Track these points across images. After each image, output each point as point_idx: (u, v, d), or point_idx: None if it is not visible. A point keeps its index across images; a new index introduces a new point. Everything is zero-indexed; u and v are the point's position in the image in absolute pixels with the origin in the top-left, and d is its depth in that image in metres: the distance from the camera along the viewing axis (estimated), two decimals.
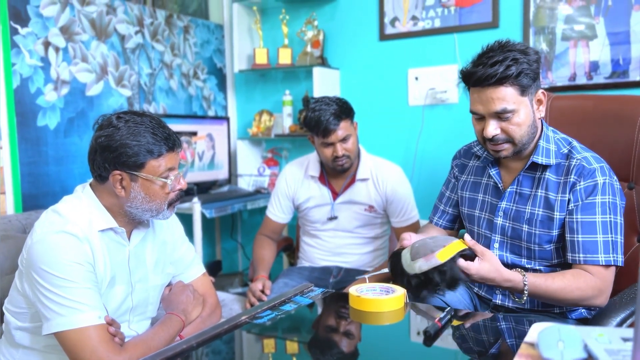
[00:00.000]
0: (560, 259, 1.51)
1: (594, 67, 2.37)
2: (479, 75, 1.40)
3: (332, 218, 2.17)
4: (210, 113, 3.18)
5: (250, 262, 2.24)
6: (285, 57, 2.93)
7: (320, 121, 1.99)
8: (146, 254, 1.57)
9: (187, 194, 2.59)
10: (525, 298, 1.40)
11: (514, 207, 1.55)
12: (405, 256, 1.34)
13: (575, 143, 1.54)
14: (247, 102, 3.25)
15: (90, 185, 1.47)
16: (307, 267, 2.22)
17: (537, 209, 1.50)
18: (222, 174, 3.01)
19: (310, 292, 1.35)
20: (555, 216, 1.47)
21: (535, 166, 1.52)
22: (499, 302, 1.58)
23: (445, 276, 1.29)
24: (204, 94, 3.14)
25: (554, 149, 1.52)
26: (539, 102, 1.49)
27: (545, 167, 1.51)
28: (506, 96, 1.40)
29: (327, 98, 2.06)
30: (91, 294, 1.33)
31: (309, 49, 2.88)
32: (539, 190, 1.50)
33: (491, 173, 1.59)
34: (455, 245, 1.33)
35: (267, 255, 2.19)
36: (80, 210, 1.41)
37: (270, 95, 3.16)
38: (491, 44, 1.45)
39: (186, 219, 2.79)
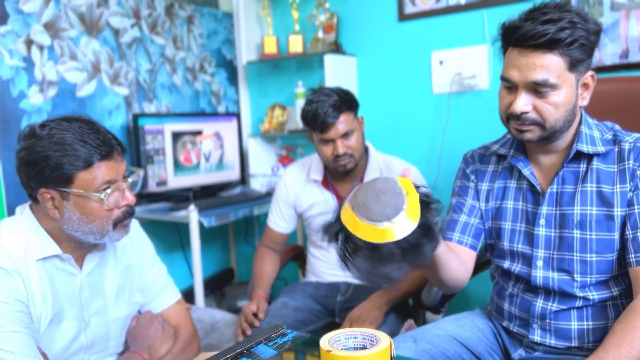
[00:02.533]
0: (622, 269, 1.21)
1: None
2: (524, 32, 1.11)
3: None
4: (221, 109, 2.95)
5: (251, 278, 2.01)
6: (296, 45, 2.67)
7: (317, 114, 1.72)
8: (105, 281, 1.36)
9: (185, 200, 2.38)
10: None
11: (557, 211, 1.25)
12: (349, 214, 0.93)
13: (617, 126, 1.26)
14: (259, 96, 3.01)
15: (30, 206, 1.26)
16: (313, 283, 1.96)
17: (589, 207, 1.21)
18: (233, 174, 2.79)
19: (280, 337, 1.09)
20: (615, 213, 1.18)
21: (577, 158, 1.23)
22: (538, 338, 1.28)
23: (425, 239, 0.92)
24: (213, 88, 2.91)
25: (598, 135, 1.23)
26: (585, 86, 1.19)
27: (591, 157, 1.22)
28: (551, 66, 1.12)
29: (328, 89, 1.78)
30: (18, 339, 1.12)
31: (321, 34, 2.60)
32: (588, 185, 1.21)
33: (525, 173, 1.29)
34: (405, 184, 0.93)
35: (267, 270, 1.95)
36: (16, 236, 1.20)
37: (283, 88, 2.90)
38: (546, 1, 1.15)
39: (186, 230, 2.60)
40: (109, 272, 1.36)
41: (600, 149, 1.21)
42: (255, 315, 1.74)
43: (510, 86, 1.19)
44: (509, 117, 1.20)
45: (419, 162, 2.43)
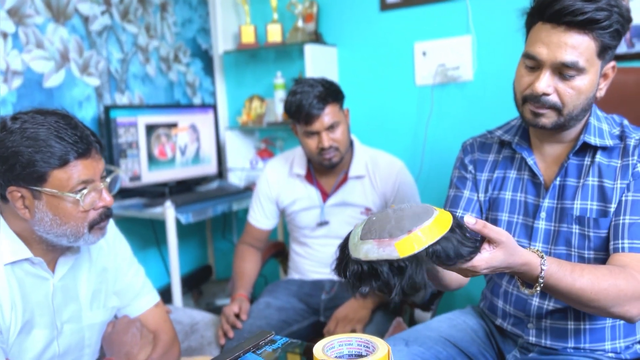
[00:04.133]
0: None
1: (637, 31, 1.96)
2: (563, 6, 1.04)
3: (323, 223, 1.84)
4: (196, 101, 2.85)
5: (231, 277, 1.93)
6: (274, 35, 2.58)
7: (301, 105, 1.65)
8: (79, 286, 1.27)
9: (160, 196, 2.29)
10: (537, 291, 0.98)
11: (559, 205, 1.20)
12: (356, 231, 0.90)
13: (625, 122, 1.22)
14: (237, 87, 2.91)
15: None
16: (296, 281, 1.90)
17: (589, 202, 1.16)
18: (210, 169, 2.70)
19: (269, 344, 1.03)
20: (610, 209, 1.14)
21: (582, 150, 1.19)
22: (533, 339, 1.24)
23: (402, 277, 0.83)
24: (188, 79, 2.81)
25: (607, 128, 1.19)
26: (605, 77, 1.15)
27: (595, 151, 1.18)
28: (582, 48, 1.06)
29: (312, 79, 1.71)
30: None
31: (300, 23, 2.52)
32: (590, 179, 1.17)
33: (529, 162, 1.24)
34: (434, 228, 0.86)
35: (248, 268, 1.88)
36: None
37: (262, 79, 2.82)
38: None
39: (161, 227, 2.51)
40: (84, 275, 1.27)
41: (608, 142, 1.17)
42: (237, 316, 1.67)
43: (533, 65, 1.12)
44: (526, 99, 1.13)
45: (402, 155, 2.37)
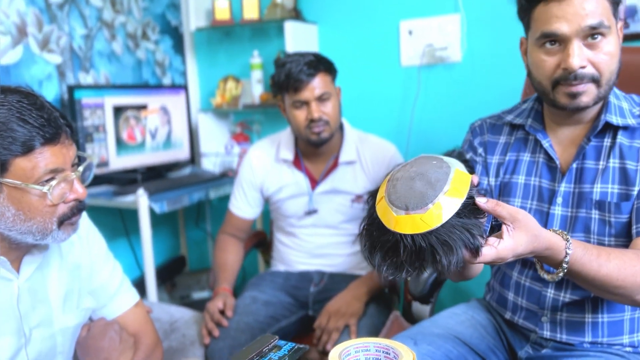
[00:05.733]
0: None
1: (631, 12, 1.91)
2: None
3: (311, 212, 1.73)
4: (166, 81, 2.68)
5: (212, 269, 1.80)
6: (251, 11, 2.43)
7: (290, 72, 1.55)
8: (49, 286, 1.13)
9: (131, 183, 2.13)
10: (558, 277, 0.91)
11: (576, 189, 1.13)
12: (384, 203, 0.81)
13: None
14: (210, 67, 2.75)
15: None
16: (282, 273, 1.79)
17: (610, 185, 1.09)
18: (182, 154, 2.54)
19: (274, 350, 0.91)
20: (634, 192, 1.07)
21: (602, 131, 1.11)
22: (547, 333, 1.16)
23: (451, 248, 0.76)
24: (157, 58, 2.63)
25: (627, 107, 1.12)
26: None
27: (616, 131, 1.10)
28: (600, 8, 1.01)
29: (303, 51, 1.61)
30: None
31: None
32: (611, 161, 1.10)
33: (544, 145, 1.16)
34: (459, 187, 0.80)
35: (230, 260, 1.75)
36: None
37: (237, 58, 2.66)
38: None
39: (131, 216, 2.35)
40: (53, 275, 1.13)
41: (631, 121, 1.10)
42: (222, 312, 1.54)
43: (552, 46, 1.05)
44: (557, 82, 1.06)
45: (387, 138, 2.28)
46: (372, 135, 1.77)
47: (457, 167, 0.84)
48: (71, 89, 2.08)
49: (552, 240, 0.88)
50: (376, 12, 2.31)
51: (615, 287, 0.94)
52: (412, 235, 0.78)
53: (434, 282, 1.50)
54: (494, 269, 1.32)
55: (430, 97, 2.25)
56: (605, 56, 1.03)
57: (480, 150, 1.26)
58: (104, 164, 2.19)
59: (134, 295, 1.29)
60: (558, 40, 1.04)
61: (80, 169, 1.03)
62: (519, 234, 0.83)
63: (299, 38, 2.33)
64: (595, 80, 1.04)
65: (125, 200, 1.99)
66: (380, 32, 2.31)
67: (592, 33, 1.02)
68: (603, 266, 0.92)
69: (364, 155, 1.70)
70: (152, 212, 1.97)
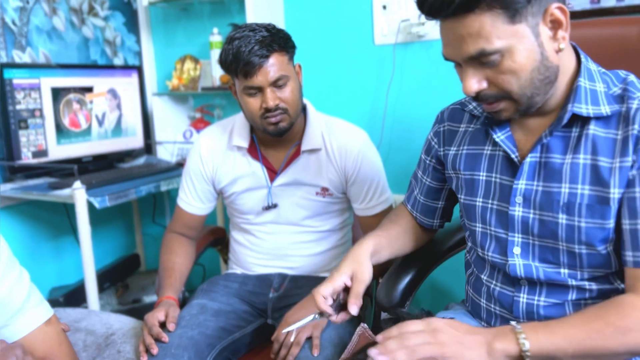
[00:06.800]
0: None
1: None
2: (431, 3, 0.85)
3: (270, 207, 1.51)
4: (118, 62, 2.43)
5: (157, 274, 1.58)
6: None
7: (239, 52, 1.30)
8: None
9: (69, 175, 1.89)
10: None
11: (539, 187, 0.96)
12: None
13: (632, 77, 0.95)
14: (166, 46, 2.51)
15: None
16: (238, 277, 1.57)
17: (579, 185, 0.91)
18: (134, 142, 2.30)
19: None
20: (611, 195, 0.89)
21: (571, 120, 0.92)
22: None
23: None
24: (107, 36, 2.38)
25: (602, 88, 0.92)
26: (555, 23, 0.87)
27: (588, 119, 0.91)
28: (481, 29, 0.83)
29: (255, 24, 1.37)
30: None
31: None
32: (581, 156, 0.91)
33: (497, 139, 1.00)
34: None
35: (178, 263, 1.53)
36: None
37: (195, 36, 2.42)
38: None
39: (69, 211, 2.12)
40: None
41: (605, 109, 0.90)
42: (163, 325, 1.33)
43: (457, 64, 0.93)
44: (473, 99, 0.95)
45: (359, 124, 2.05)
46: (340, 120, 1.56)
47: None
48: (0, 68, 1.83)
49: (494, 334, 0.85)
50: None
51: (604, 354, 0.83)
52: None
53: (405, 288, 1.30)
54: (468, 271, 1.17)
55: (406, 78, 2.04)
56: (504, 75, 0.88)
57: (434, 142, 1.17)
58: (41, 153, 1.95)
59: (45, 312, 1.07)
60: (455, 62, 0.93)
61: None
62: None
63: (262, 13, 2.10)
64: (506, 97, 0.91)
65: (62, 193, 1.75)
66: (351, 7, 2.09)
67: (480, 59, 0.88)
68: (571, 335, 0.83)
69: (330, 143, 1.49)
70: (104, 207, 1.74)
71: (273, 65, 1.32)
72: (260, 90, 1.34)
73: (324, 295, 1.00)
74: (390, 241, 1.19)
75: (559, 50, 0.88)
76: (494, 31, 0.83)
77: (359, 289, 1.02)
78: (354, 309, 0.99)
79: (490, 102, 0.92)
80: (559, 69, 0.90)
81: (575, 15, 1.78)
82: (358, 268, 1.05)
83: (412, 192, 1.25)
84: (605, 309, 0.84)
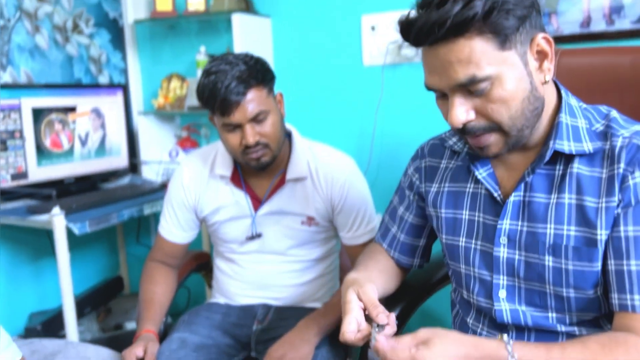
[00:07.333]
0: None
1: (617, 8, 1.71)
2: (418, 28, 0.81)
3: (254, 236, 1.47)
4: (103, 79, 2.39)
5: (137, 305, 1.53)
6: (196, 2, 2.16)
7: (216, 89, 1.26)
8: None
9: (46, 197, 1.85)
10: None
11: (524, 228, 0.92)
12: None
13: (614, 113, 0.93)
14: (153, 64, 2.47)
15: None
16: (221, 307, 1.53)
17: (565, 227, 0.88)
18: (119, 162, 2.26)
19: None
20: (598, 236, 0.86)
21: (554, 157, 0.90)
22: None
23: None
24: (92, 54, 2.33)
25: (585, 125, 0.90)
26: (541, 54, 0.85)
27: (571, 156, 0.89)
28: (471, 55, 0.80)
29: (232, 55, 1.32)
30: None
31: None
32: (566, 195, 0.88)
33: (479, 176, 0.96)
34: None
35: (158, 294, 1.48)
36: None
37: (182, 54, 2.39)
38: None
39: (49, 233, 2.04)
40: None
41: (587, 146, 0.88)
42: None
43: (439, 95, 0.89)
44: (459, 132, 0.90)
45: (347, 147, 2.05)
46: (327, 147, 1.52)
47: None
48: None
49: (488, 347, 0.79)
50: (336, 5, 2.06)
51: None
52: None
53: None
54: (454, 311, 1.13)
55: (395, 99, 2.01)
56: (496, 104, 0.84)
57: (415, 177, 1.13)
58: (21, 175, 1.90)
59: (13, 355, 1.02)
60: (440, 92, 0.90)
61: None
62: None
63: (249, 33, 2.07)
64: (495, 129, 0.87)
65: (40, 219, 1.70)
66: (340, 28, 2.07)
67: (467, 87, 0.84)
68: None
69: (317, 171, 1.45)
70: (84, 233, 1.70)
71: (251, 102, 1.28)
72: (238, 127, 1.30)
73: (352, 331, 0.87)
74: (372, 277, 1.12)
75: (544, 82, 0.86)
76: (484, 57, 0.80)
77: (371, 299, 0.90)
78: (382, 318, 0.86)
79: (478, 135, 0.88)
80: (544, 102, 0.88)
81: (564, 39, 1.77)
82: (358, 288, 0.94)
83: (389, 230, 1.18)
84: (609, 348, 0.79)
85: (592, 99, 1.03)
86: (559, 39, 1.76)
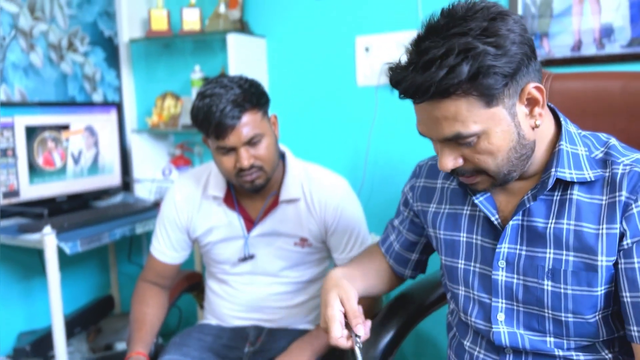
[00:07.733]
0: (614, 333, 0.91)
1: (607, 31, 1.73)
2: (405, 88, 0.82)
3: (247, 257, 1.46)
4: (97, 98, 2.38)
5: (129, 326, 1.51)
6: (191, 21, 2.17)
7: (210, 113, 1.27)
8: None
9: (38, 216, 1.83)
10: None
11: (523, 252, 0.92)
12: None
13: (614, 141, 0.93)
14: (147, 82, 2.47)
15: None
16: (213, 328, 1.52)
17: (564, 252, 0.89)
18: (112, 180, 2.25)
19: None
20: (599, 263, 0.86)
21: (554, 183, 0.90)
22: None
23: None
24: (86, 72, 2.34)
25: (584, 152, 0.90)
26: (531, 100, 0.85)
27: (570, 183, 0.89)
28: (457, 114, 0.81)
29: (227, 78, 1.33)
30: None
31: (222, 9, 2.13)
32: (565, 221, 0.89)
33: (476, 201, 0.97)
34: None
35: (150, 315, 1.47)
36: None
37: (176, 73, 2.40)
38: (435, 21, 0.83)
39: (40, 251, 2.02)
40: None
41: (588, 174, 0.88)
42: None
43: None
44: (450, 174, 0.95)
45: (341, 167, 2.06)
46: (321, 168, 1.52)
47: None
48: None
49: None
50: (330, 26, 2.08)
51: None
52: None
53: (387, 346, 1.25)
54: (450, 334, 1.13)
55: (388, 120, 2.02)
56: (481, 156, 0.86)
57: (409, 196, 1.15)
58: (12, 193, 1.89)
59: None
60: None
61: None
62: None
63: (244, 53, 2.08)
64: (482, 172, 0.89)
65: (31, 238, 1.69)
66: (334, 49, 2.08)
67: (456, 140, 0.86)
68: None
69: (310, 193, 1.45)
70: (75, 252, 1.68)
71: (246, 125, 1.29)
72: (233, 150, 1.31)
73: (340, 336, 0.92)
74: (364, 274, 1.12)
75: (535, 127, 0.87)
76: (470, 116, 0.81)
77: (353, 308, 0.95)
78: (360, 329, 0.92)
79: (467, 176, 0.90)
80: (535, 144, 0.89)
81: (555, 62, 1.78)
82: (342, 294, 0.97)
83: (388, 237, 1.22)
84: None
85: (584, 123, 1.04)
86: (551, 62, 1.78)
